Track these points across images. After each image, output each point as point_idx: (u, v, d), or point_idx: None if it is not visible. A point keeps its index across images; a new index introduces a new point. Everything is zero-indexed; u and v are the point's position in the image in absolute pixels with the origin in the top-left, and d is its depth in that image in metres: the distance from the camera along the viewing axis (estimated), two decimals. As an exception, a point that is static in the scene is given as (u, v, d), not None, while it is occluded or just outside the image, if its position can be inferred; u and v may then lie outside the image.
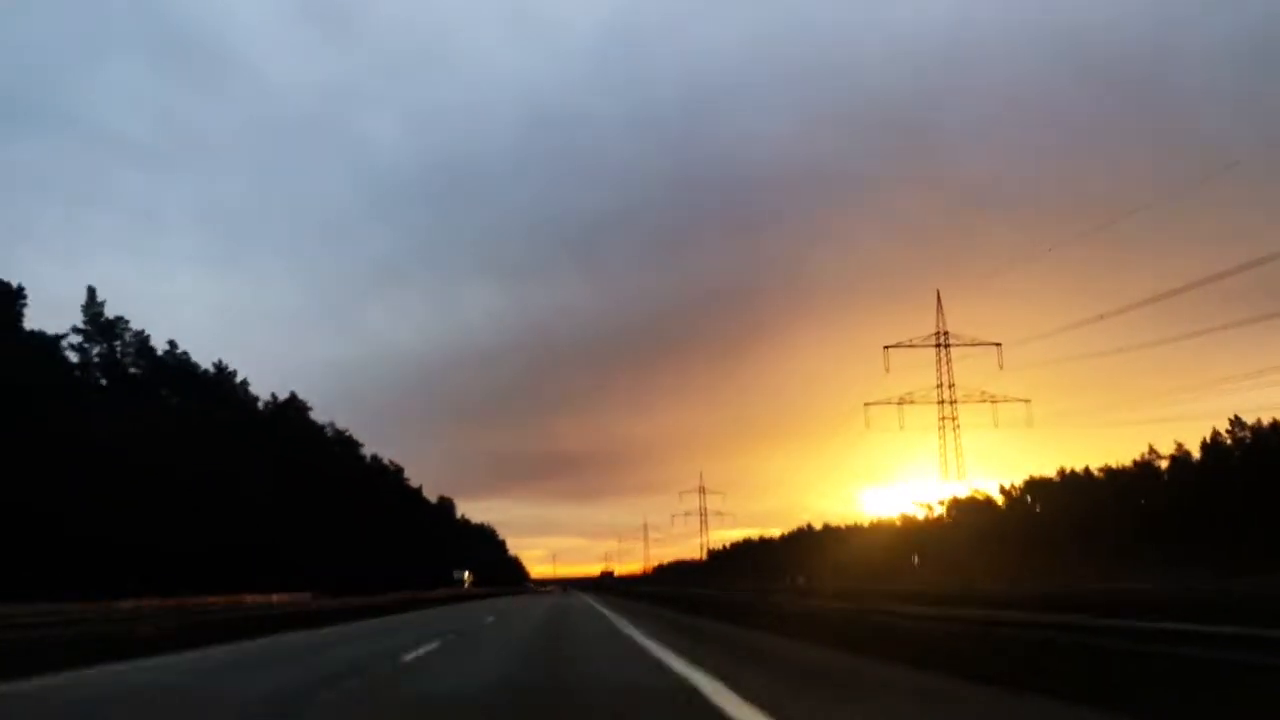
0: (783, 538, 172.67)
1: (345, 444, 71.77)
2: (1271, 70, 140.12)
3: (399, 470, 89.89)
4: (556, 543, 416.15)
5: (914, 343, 69.82)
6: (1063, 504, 73.73)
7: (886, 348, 69.39)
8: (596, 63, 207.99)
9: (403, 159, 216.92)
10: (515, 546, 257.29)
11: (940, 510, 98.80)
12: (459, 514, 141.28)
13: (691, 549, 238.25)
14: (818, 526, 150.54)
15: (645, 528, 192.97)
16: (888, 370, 69.50)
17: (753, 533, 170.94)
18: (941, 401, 70.41)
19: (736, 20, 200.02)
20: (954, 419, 70.43)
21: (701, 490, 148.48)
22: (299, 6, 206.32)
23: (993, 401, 69.20)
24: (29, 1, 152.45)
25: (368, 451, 79.89)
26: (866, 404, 70.06)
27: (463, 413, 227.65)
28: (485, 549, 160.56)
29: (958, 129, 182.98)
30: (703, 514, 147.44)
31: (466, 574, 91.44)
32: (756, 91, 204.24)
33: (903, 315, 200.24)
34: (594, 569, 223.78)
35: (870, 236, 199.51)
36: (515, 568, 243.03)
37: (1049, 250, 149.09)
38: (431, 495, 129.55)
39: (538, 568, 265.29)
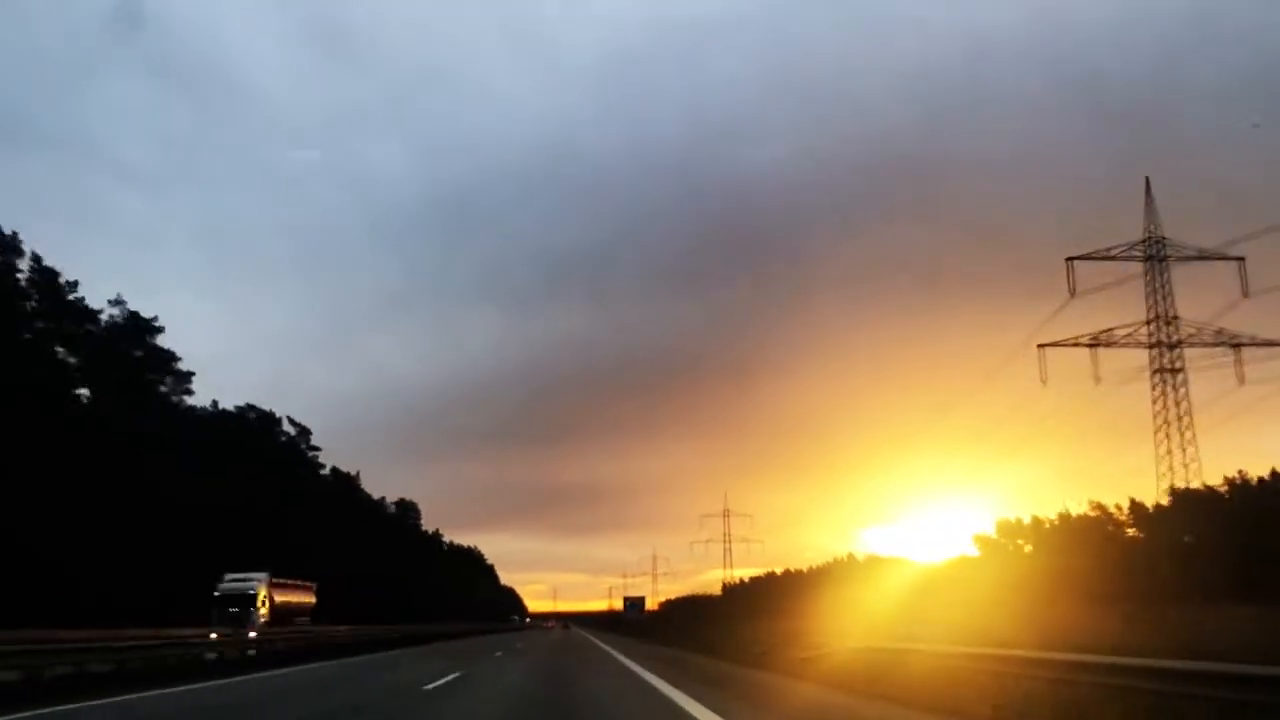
0: (810, 571, 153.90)
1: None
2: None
3: (303, 433, 67.01)
4: (558, 578, 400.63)
5: (1113, 253, 45.30)
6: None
7: (1070, 260, 46.07)
8: (602, 93, 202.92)
9: (406, 186, 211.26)
10: (516, 581, 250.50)
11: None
12: (428, 528, 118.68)
13: (699, 585, 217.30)
14: (839, 562, 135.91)
15: (654, 559, 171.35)
16: (1072, 293, 46.23)
17: (774, 568, 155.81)
18: (1157, 344, 45.56)
19: (744, 53, 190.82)
20: (1174, 370, 45.64)
21: (726, 514, 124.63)
22: (303, 31, 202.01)
23: (1234, 345, 44.25)
24: (26, 19, 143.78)
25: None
26: (1041, 345, 46.77)
27: (464, 444, 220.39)
28: (464, 574, 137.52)
29: (965, 165, 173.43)
30: (726, 539, 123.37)
31: (264, 590, 41.66)
32: (763, 123, 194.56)
33: (908, 347, 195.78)
34: (597, 605, 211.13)
35: (877, 270, 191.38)
36: (509, 600, 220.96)
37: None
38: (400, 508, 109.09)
39: (538, 603, 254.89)
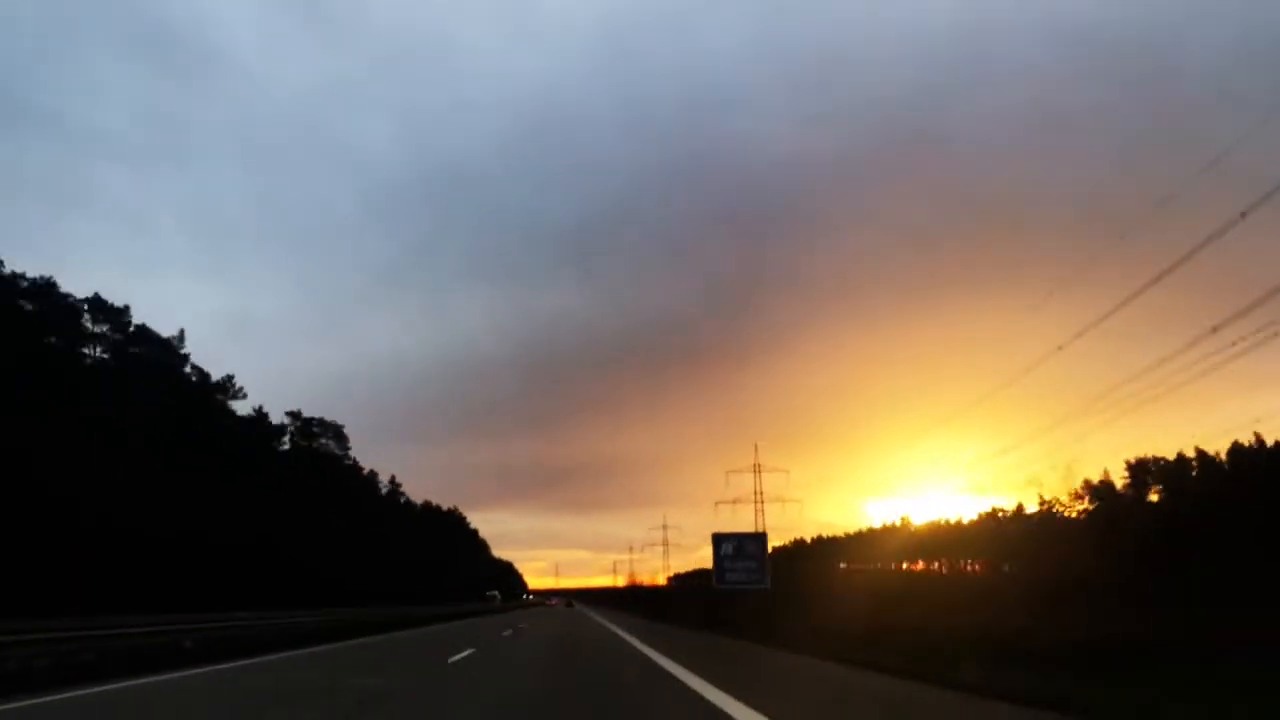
0: (846, 538, 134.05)
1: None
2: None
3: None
4: (560, 554, 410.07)
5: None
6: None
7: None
8: (594, 63, 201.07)
9: (397, 161, 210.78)
10: (519, 558, 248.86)
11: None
12: (365, 467, 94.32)
13: (702, 560, 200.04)
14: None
15: (665, 529, 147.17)
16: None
17: (801, 537, 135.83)
18: None
19: (736, 19, 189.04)
20: None
21: (757, 468, 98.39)
22: (289, 4, 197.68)
23: None
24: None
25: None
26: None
27: (462, 421, 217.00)
28: (432, 540, 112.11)
29: (964, 131, 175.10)
30: (758, 497, 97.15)
31: None
32: (758, 92, 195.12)
33: (908, 320, 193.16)
34: (600, 580, 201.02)
35: (876, 239, 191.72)
36: (506, 575, 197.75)
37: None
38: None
39: (541, 579, 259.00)
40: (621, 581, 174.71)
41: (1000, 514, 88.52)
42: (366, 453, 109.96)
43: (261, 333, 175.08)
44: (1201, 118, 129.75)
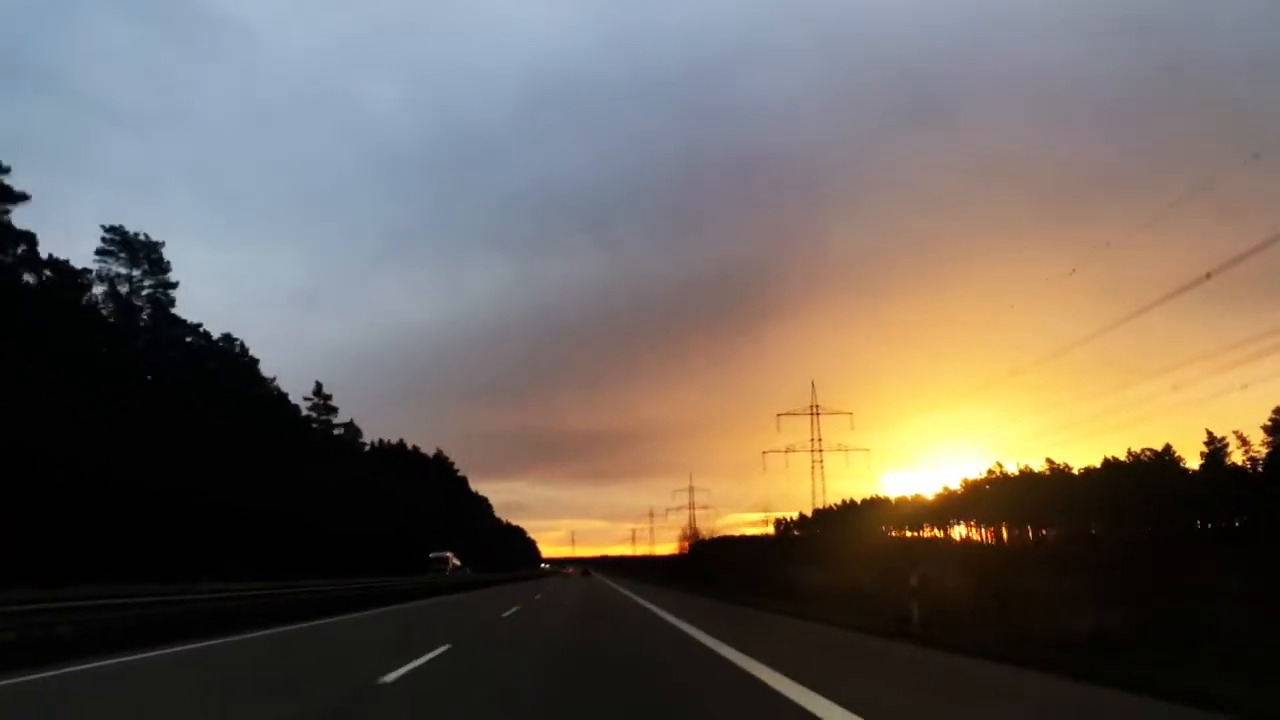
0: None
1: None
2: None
3: None
4: (576, 524, 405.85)
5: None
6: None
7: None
8: (605, 26, 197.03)
9: (406, 127, 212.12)
10: (534, 528, 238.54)
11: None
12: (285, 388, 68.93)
13: (726, 527, 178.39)
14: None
15: (691, 489, 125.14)
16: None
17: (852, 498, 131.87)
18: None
19: None
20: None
21: (814, 410, 76.29)
22: None
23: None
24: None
25: None
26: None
27: (474, 391, 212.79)
28: (405, 489, 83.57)
29: (981, 97, 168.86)
30: (815, 445, 75.49)
31: None
32: (770, 58, 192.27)
33: (924, 287, 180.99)
34: (618, 549, 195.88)
35: (891, 207, 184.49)
36: (508, 540, 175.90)
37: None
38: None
39: (555, 548, 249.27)
40: (644, 550, 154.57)
41: (1129, 457, 62.61)
42: (377, 420, 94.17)
43: (269, 297, 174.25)
44: (1228, 80, 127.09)
